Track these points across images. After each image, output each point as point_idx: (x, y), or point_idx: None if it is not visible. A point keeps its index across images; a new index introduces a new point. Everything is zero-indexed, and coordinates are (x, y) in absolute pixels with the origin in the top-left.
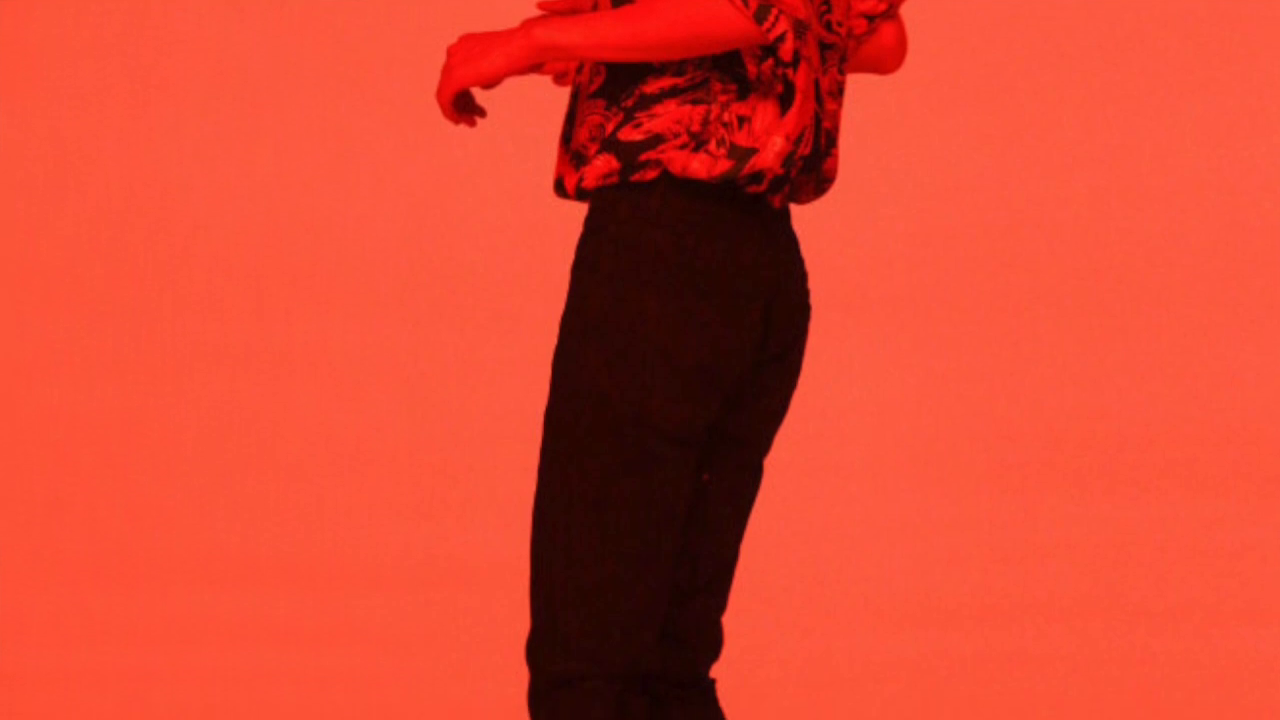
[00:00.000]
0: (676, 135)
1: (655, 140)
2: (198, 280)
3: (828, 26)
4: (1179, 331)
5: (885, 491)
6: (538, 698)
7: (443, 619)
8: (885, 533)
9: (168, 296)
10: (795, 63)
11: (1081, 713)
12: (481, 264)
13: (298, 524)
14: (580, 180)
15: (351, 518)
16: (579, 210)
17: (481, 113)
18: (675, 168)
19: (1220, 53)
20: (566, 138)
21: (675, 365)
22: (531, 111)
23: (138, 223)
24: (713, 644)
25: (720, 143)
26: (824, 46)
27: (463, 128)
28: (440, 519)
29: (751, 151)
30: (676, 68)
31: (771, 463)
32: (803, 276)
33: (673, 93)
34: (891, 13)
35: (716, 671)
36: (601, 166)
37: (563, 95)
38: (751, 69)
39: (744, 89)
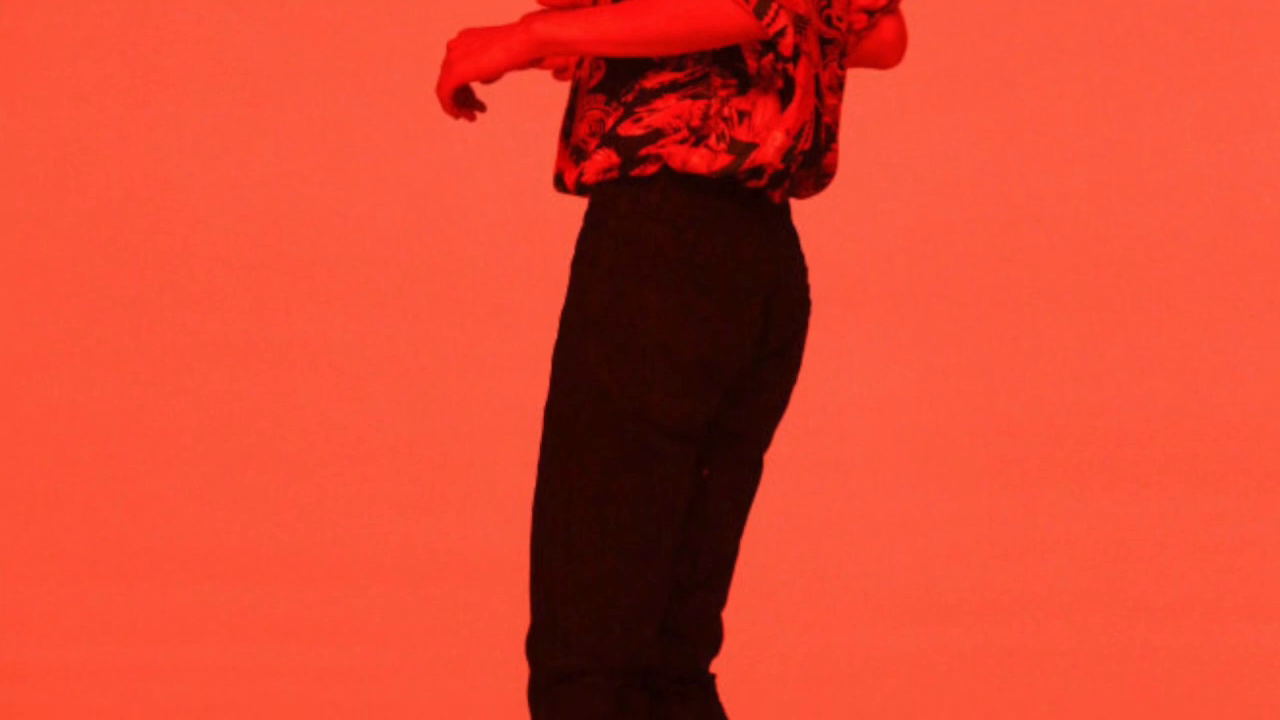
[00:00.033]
0: (676, 130)
1: (655, 135)
2: (197, 274)
3: (828, 21)
4: (1179, 327)
5: (885, 486)
6: (538, 693)
7: (443, 614)
8: (885, 528)
9: (167, 291)
10: (795, 58)
11: (1081, 708)
12: (481, 259)
13: (298, 519)
14: (580, 175)
15: (351, 512)
16: (579, 205)
17: (481, 107)
18: (675, 163)
19: (1220, 48)
20: (566, 133)
21: (675, 360)
22: (531, 106)
23: (137, 217)
24: (713, 639)
25: (720, 138)
26: (824, 41)
27: (463, 122)
28: (440, 514)
29: (752, 146)
30: (676, 63)
31: (771, 458)
32: (803, 271)
33: (673, 88)
34: (892, 8)
35: (716, 666)
36: (601, 161)
37: (563, 90)
38: (752, 64)
39: (744, 84)
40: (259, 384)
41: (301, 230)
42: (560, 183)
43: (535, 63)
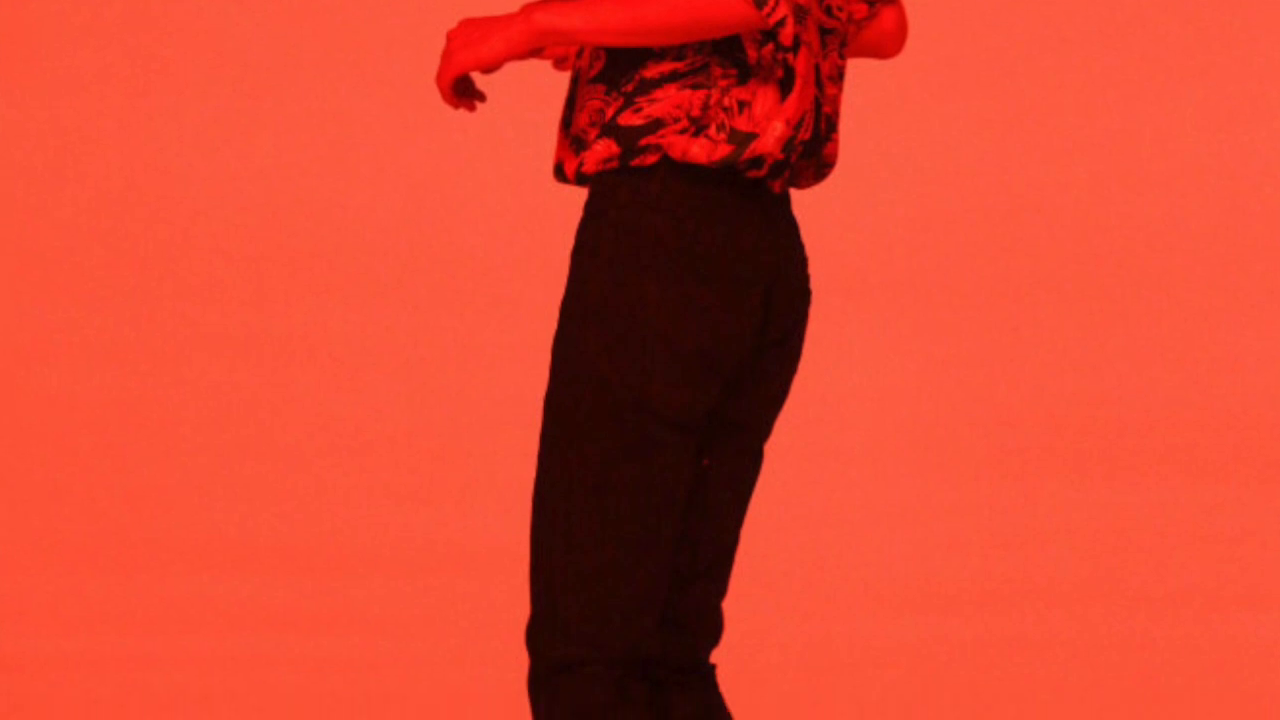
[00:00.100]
0: (676, 120)
1: (655, 125)
2: (196, 266)
3: (828, 11)
4: (1179, 318)
5: (885, 477)
6: (538, 683)
7: (442, 605)
8: (885, 518)
9: (166, 283)
10: (795, 47)
11: (1081, 698)
12: (481, 249)
13: (297, 509)
14: (580, 165)
15: (351, 503)
16: (579, 195)
17: (481, 97)
18: (675, 152)
19: (1220, 39)
20: (566, 123)
21: (675, 350)
22: (531, 96)
23: (137, 208)
24: (713, 629)
25: (720, 128)
26: (824, 31)
27: (462, 112)
28: (440, 505)
29: (752, 136)
30: (676, 52)
31: (772, 448)
32: (803, 261)
33: (673, 78)
34: None
35: (717, 657)
36: (601, 151)
37: (562, 80)
38: (752, 54)
39: (744, 74)
40: (258, 375)
41: (301, 221)
42: (560, 173)
43: (535, 53)
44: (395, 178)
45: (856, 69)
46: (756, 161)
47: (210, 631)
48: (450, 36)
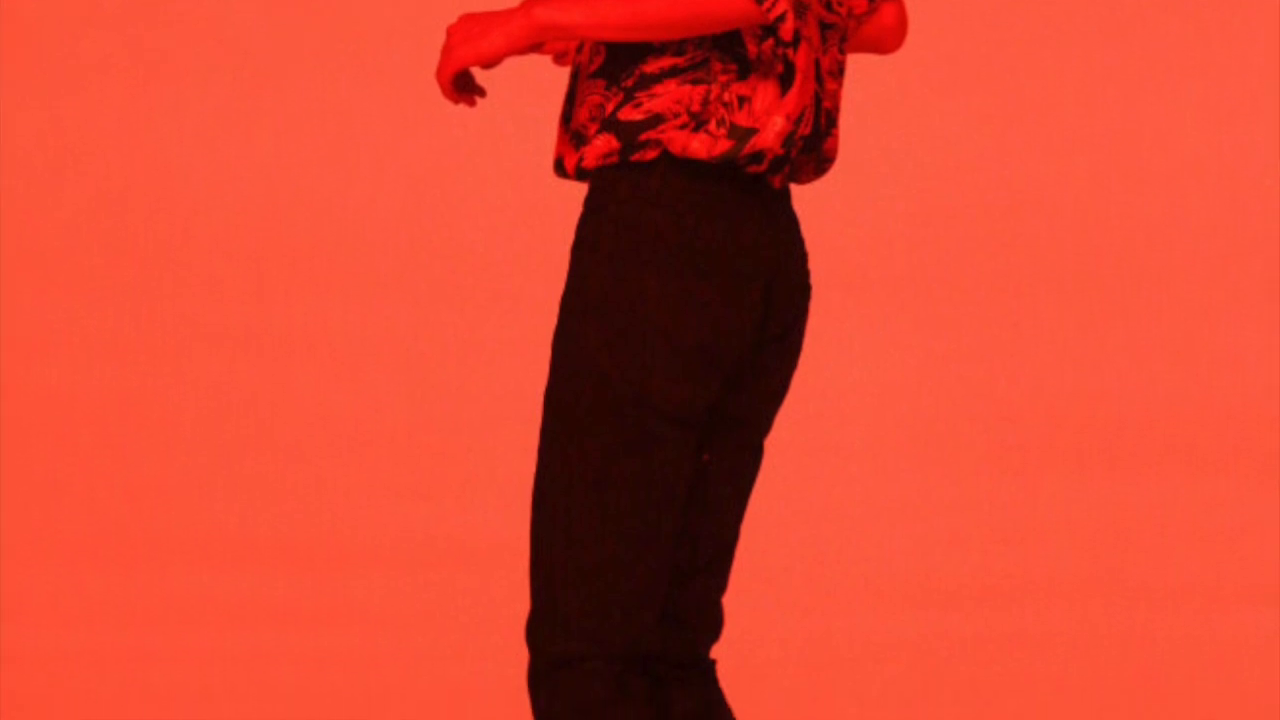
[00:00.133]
0: (677, 115)
1: (655, 120)
2: (196, 261)
3: (828, 6)
4: (1179, 313)
5: (885, 472)
6: (538, 678)
7: (442, 600)
8: (885, 514)
9: (165, 278)
10: (796, 42)
11: (1081, 693)
12: (481, 244)
13: (298, 505)
14: (580, 160)
15: (351, 498)
16: (579, 190)
17: (481, 92)
18: (675, 148)
19: (1221, 35)
20: (566, 117)
21: (675, 345)
22: (531, 91)
23: (137, 205)
24: (713, 624)
25: (720, 123)
26: (824, 26)
27: (462, 108)
28: (440, 500)
29: (752, 131)
30: (677, 47)
31: (772, 443)
32: (803, 257)
33: (673, 72)
34: None
35: (717, 652)
36: (601, 146)
37: (562, 75)
38: (752, 49)
39: (744, 69)
40: (258, 370)
41: (301, 216)
42: (560, 168)
43: (535, 48)
44: (395, 173)
45: (856, 64)
46: (756, 157)
47: (211, 626)
48: (450, 31)
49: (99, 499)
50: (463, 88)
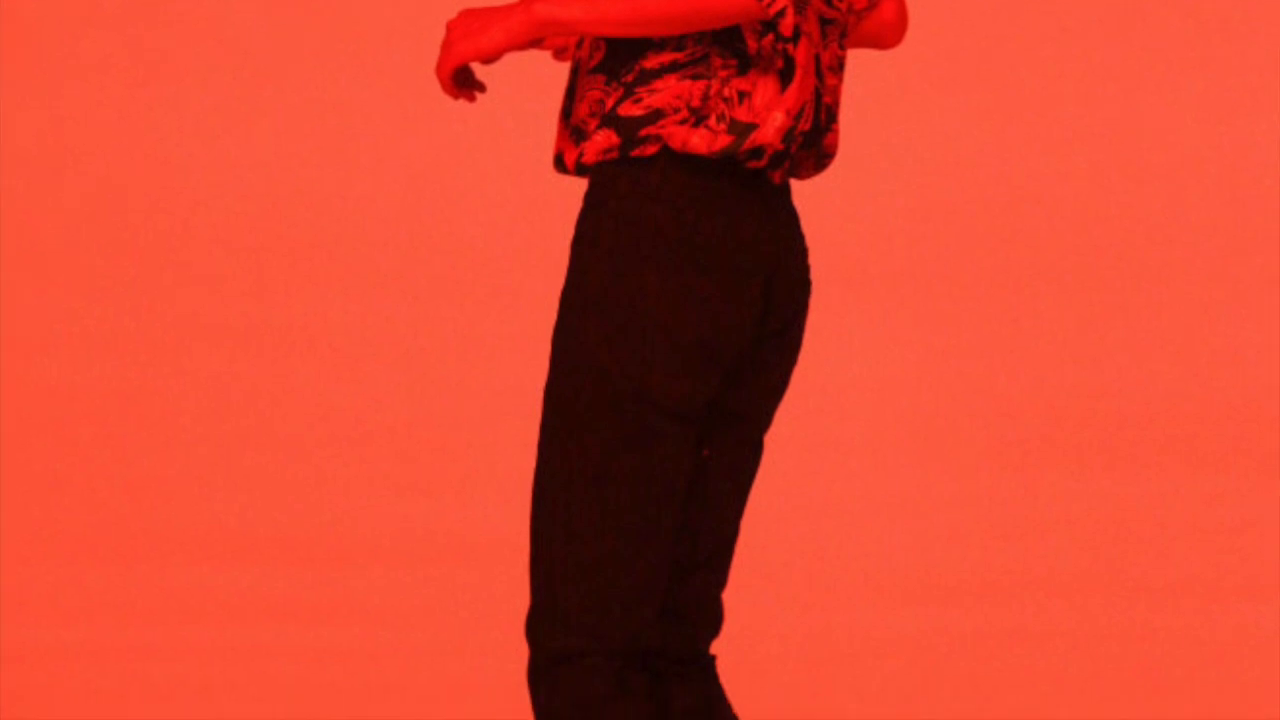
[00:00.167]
0: (677, 110)
1: (655, 115)
2: (196, 257)
3: (828, 2)
4: (1179, 310)
5: (885, 468)
6: (538, 674)
7: (442, 595)
8: (885, 509)
9: (165, 274)
10: (796, 38)
11: (1081, 689)
12: (481, 240)
13: (298, 501)
14: (580, 155)
15: (351, 494)
16: (579, 185)
17: (481, 88)
18: (675, 143)
19: (1221, 31)
20: (566, 113)
21: (675, 340)
22: (531, 87)
23: (137, 200)
24: (713, 620)
25: (720, 118)
26: (824, 21)
27: (462, 103)
28: (440, 495)
29: (752, 127)
30: (676, 43)
31: (772, 439)
32: (803, 252)
33: (673, 68)
34: None
35: (717, 648)
36: (601, 142)
37: (563, 70)
38: (752, 44)
39: (744, 64)
40: (257, 365)
41: (301, 211)
42: (560, 163)
43: (535, 43)
44: (395, 168)
45: (856, 60)
46: (756, 152)
47: (211, 621)
48: (450, 27)
49: (99, 495)
50: (463, 83)
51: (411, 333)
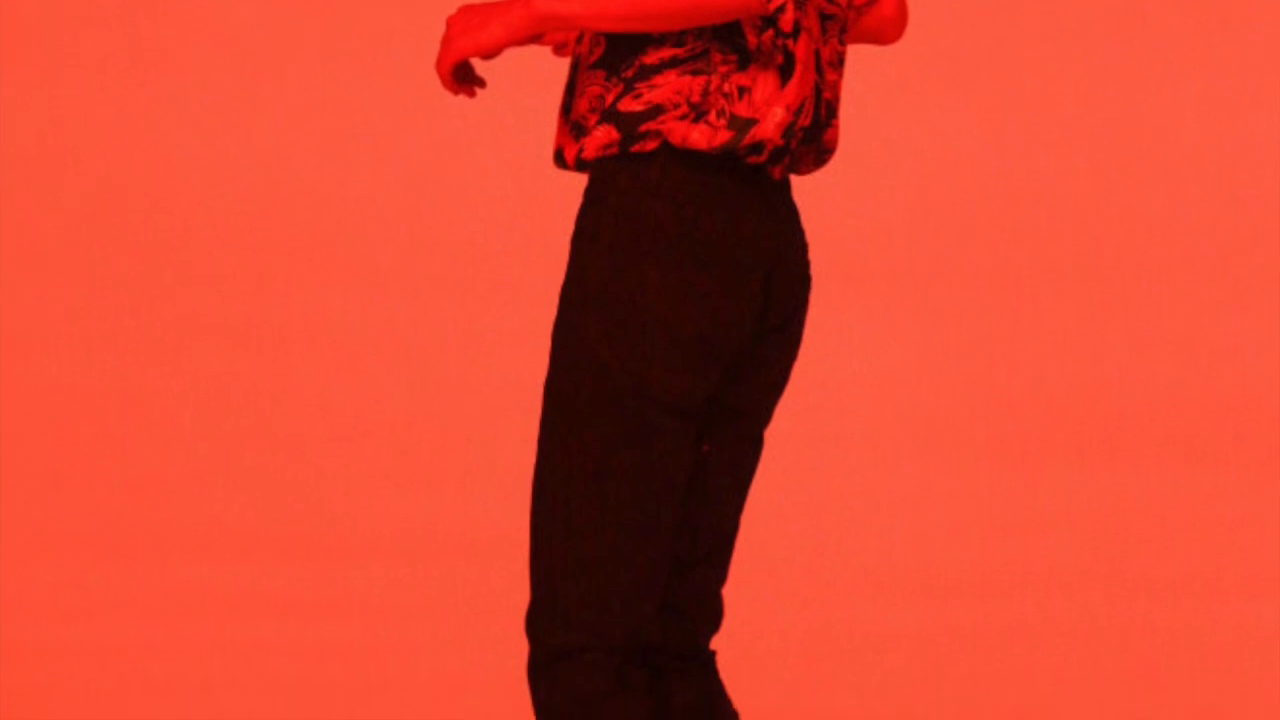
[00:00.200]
0: (677, 106)
1: (655, 111)
2: (195, 254)
3: None
4: (1178, 305)
5: (885, 463)
6: (537, 670)
7: (442, 592)
8: (885, 504)
9: (163, 270)
10: (796, 33)
11: (1081, 685)
12: (481, 235)
13: (297, 497)
14: (580, 151)
15: (351, 490)
16: (579, 181)
17: (481, 83)
18: (675, 138)
19: (1221, 29)
20: (566, 108)
21: (675, 336)
22: (531, 82)
23: (136, 197)
24: (713, 616)
25: (720, 113)
26: (824, 17)
27: (462, 98)
28: (440, 491)
29: (752, 122)
30: (676, 38)
31: (771, 434)
32: (803, 248)
33: (673, 63)
34: None
35: (717, 643)
36: (601, 137)
37: (562, 66)
38: (752, 39)
39: (744, 60)
40: (257, 362)
41: (301, 207)
42: (560, 159)
43: (535, 38)
44: (395, 164)
45: (856, 55)
46: (756, 147)
47: (209, 619)
48: (450, 22)
49: (98, 492)
50: (462, 79)
51: (411, 328)
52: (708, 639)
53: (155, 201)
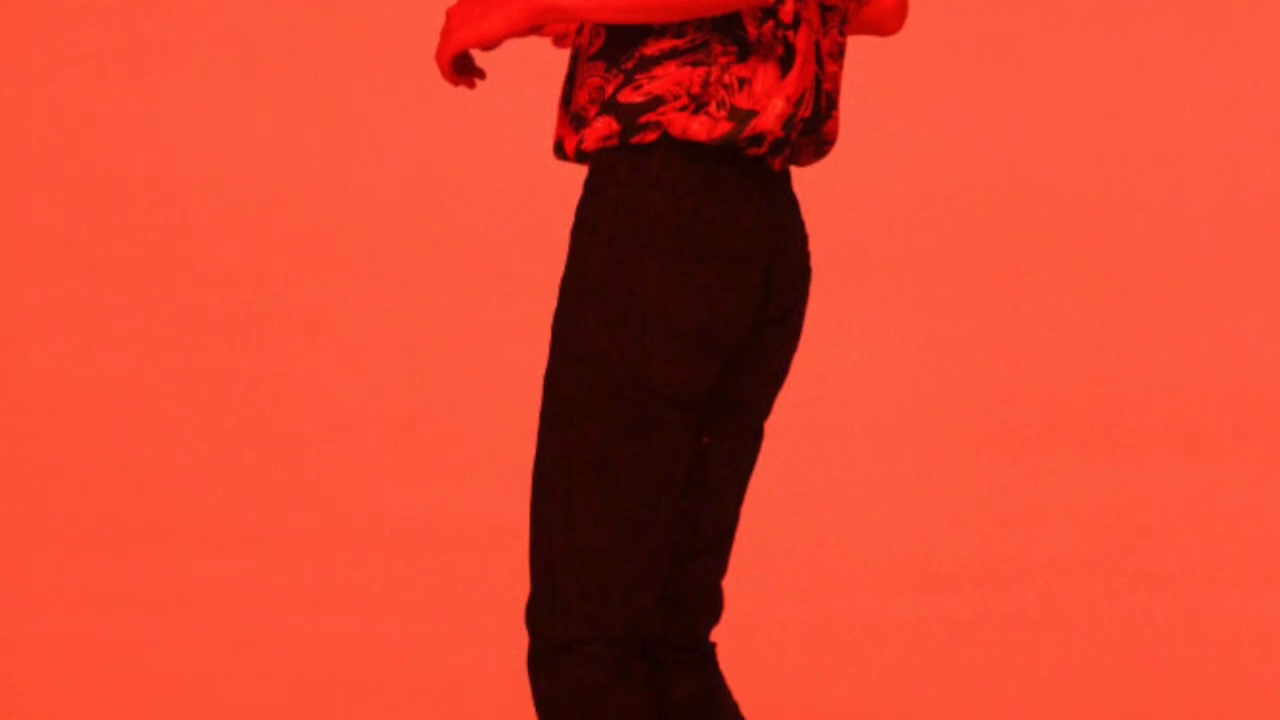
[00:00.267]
0: (676, 97)
1: (655, 102)
2: (195, 245)
3: None
4: (1179, 296)
5: (885, 455)
6: (537, 662)
7: (442, 584)
8: (885, 496)
9: (164, 264)
10: (796, 25)
11: (1081, 676)
12: (481, 227)
13: (297, 490)
14: (580, 142)
15: (351, 483)
16: (579, 172)
17: (481, 75)
18: (675, 130)
19: (1223, 18)
20: (566, 100)
21: (675, 328)
22: (531, 74)
23: (137, 190)
24: (713, 607)
25: (720, 105)
26: (825, 8)
27: (462, 90)
28: (440, 483)
29: (752, 114)
30: (676, 30)
31: (772, 426)
32: (803, 239)
33: (673, 55)
34: None
35: (717, 635)
36: (601, 129)
37: (562, 57)
38: (752, 31)
39: (744, 51)
40: (257, 355)
41: (300, 200)
42: (560, 150)
43: (535, 29)
44: (395, 156)
45: (856, 46)
46: (757, 139)
47: (209, 612)
48: (450, 14)
49: (98, 485)
50: (462, 70)
51: (411, 321)
52: (708, 631)
53: (155, 197)
